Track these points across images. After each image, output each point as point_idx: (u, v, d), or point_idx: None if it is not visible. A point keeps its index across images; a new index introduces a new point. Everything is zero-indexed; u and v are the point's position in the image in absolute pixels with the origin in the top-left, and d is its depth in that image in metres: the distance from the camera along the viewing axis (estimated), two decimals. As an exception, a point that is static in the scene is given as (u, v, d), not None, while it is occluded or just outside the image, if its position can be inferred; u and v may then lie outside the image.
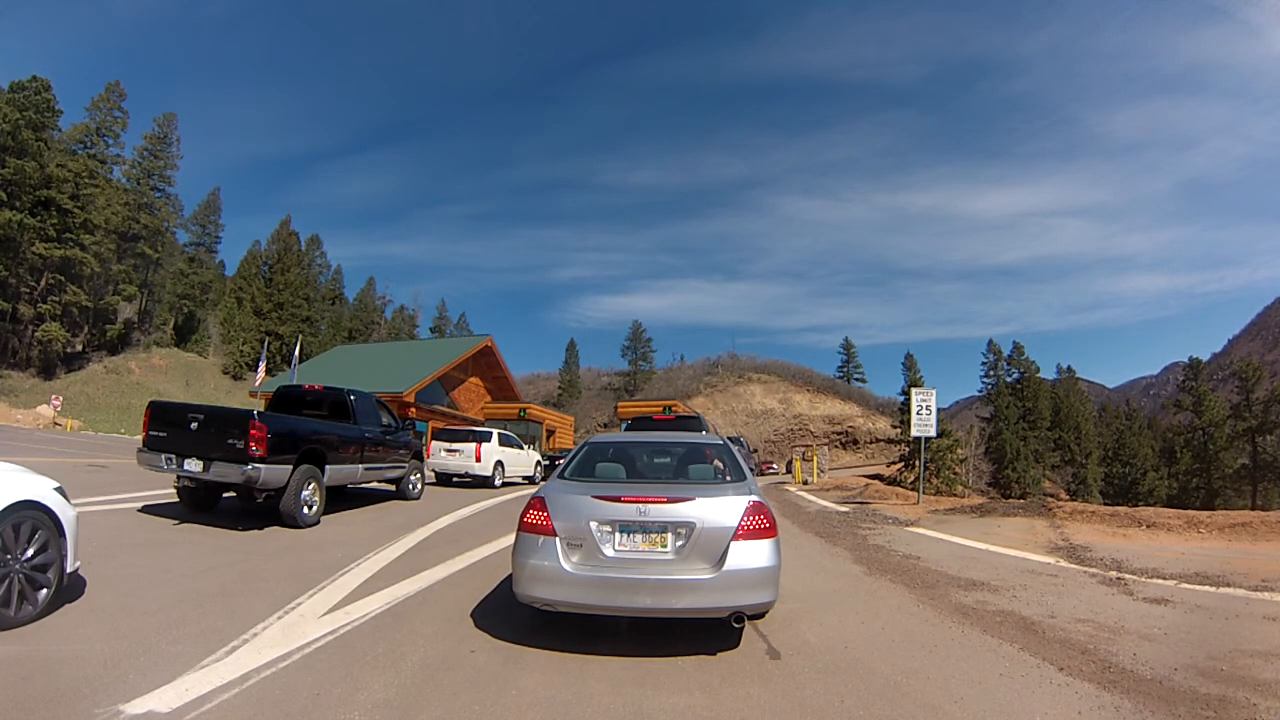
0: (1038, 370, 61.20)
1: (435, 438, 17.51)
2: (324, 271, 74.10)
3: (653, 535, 3.89)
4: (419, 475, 12.06)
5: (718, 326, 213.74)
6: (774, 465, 53.40)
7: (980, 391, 62.64)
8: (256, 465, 7.15)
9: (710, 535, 3.84)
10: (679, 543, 3.87)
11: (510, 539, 5.32)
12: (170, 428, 7.54)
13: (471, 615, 4.65)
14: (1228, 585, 6.04)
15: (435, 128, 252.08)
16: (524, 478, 18.91)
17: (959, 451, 36.45)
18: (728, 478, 4.55)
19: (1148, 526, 9.89)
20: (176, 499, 8.32)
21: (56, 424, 35.43)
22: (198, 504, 8.16)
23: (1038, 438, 56.84)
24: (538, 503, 4.07)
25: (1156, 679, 3.68)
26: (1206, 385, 51.64)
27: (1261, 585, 6.00)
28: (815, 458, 33.31)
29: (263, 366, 21.66)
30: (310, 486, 8.01)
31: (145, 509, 8.13)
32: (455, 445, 16.45)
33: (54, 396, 38.84)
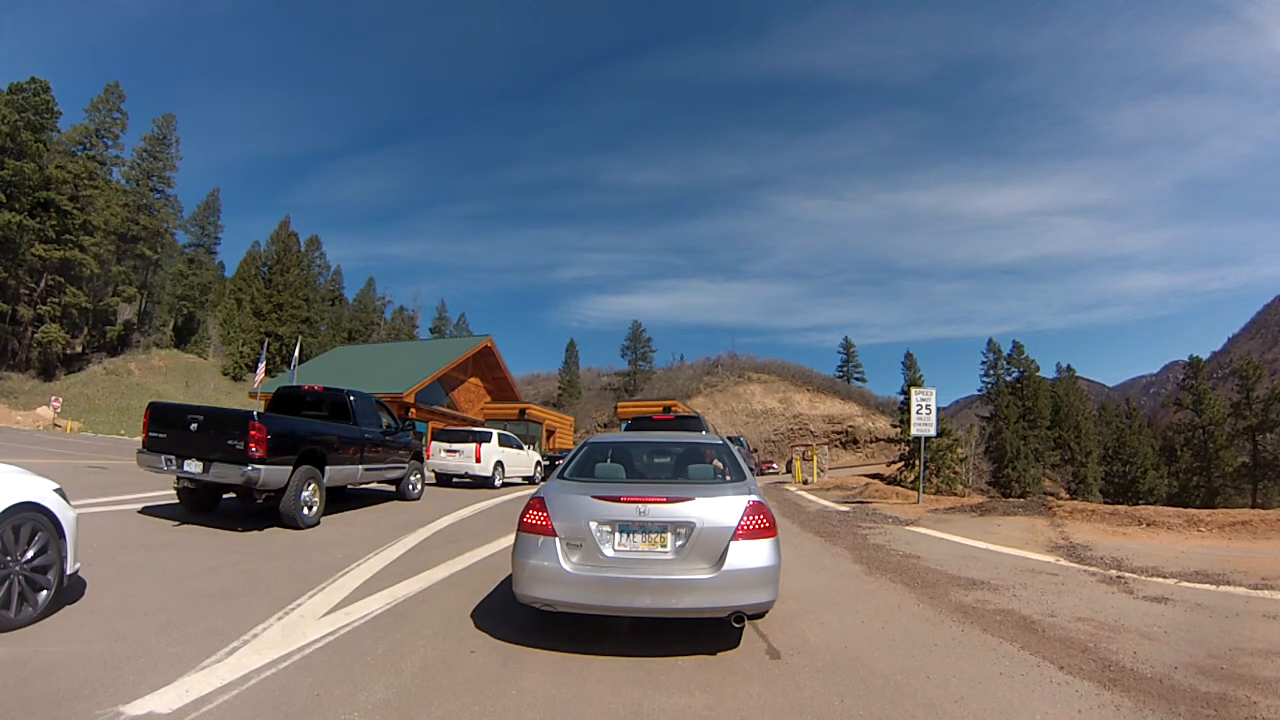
0: (1037, 369, 61.22)
1: (435, 438, 17.49)
2: (324, 272, 74.13)
3: (652, 535, 3.89)
4: (419, 476, 12.06)
5: (719, 326, 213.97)
6: (774, 465, 53.35)
7: (980, 391, 62.67)
8: (256, 466, 7.14)
9: (710, 535, 3.84)
10: (679, 543, 3.86)
11: (510, 539, 5.32)
12: (170, 429, 7.53)
13: (471, 615, 4.65)
14: (1228, 584, 6.04)
15: (436, 127, 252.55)
16: (524, 478, 18.91)
17: (959, 451, 36.44)
18: (727, 477, 4.54)
19: (1148, 525, 9.88)
20: (176, 500, 8.31)
21: (56, 425, 35.41)
22: (197, 505, 8.16)
23: (1038, 437, 56.85)
24: (537, 503, 4.07)
25: (1157, 677, 3.68)
26: (1206, 384, 51.76)
27: (1262, 583, 6.00)
28: (815, 457, 33.28)
29: (262, 367, 21.55)
30: (310, 487, 8.00)
31: (145, 510, 8.12)
32: (455, 446, 16.44)
33: (53, 398, 38.82)
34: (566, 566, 3.83)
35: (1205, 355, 58.74)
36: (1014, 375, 59.85)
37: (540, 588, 3.87)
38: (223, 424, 7.41)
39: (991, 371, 60.68)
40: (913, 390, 16.94)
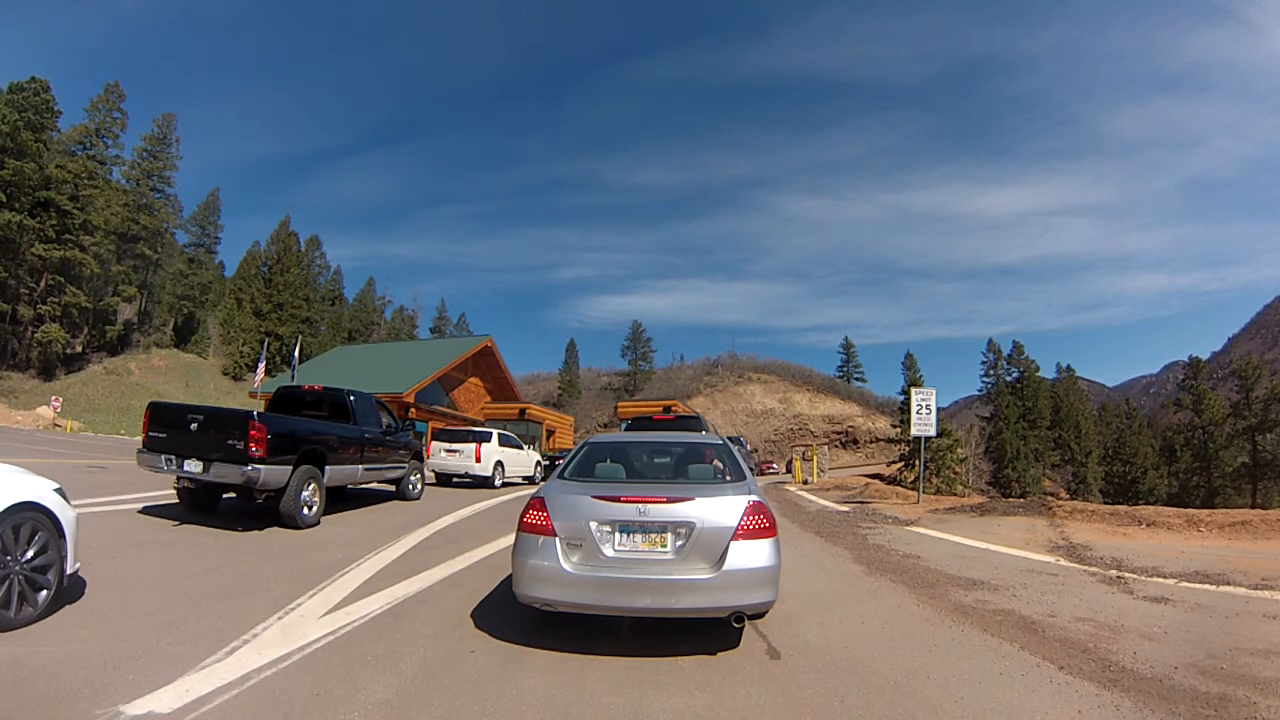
0: (1037, 369, 61.30)
1: (435, 438, 17.50)
2: (324, 272, 74.18)
3: (652, 535, 3.89)
4: (419, 475, 12.06)
5: (719, 326, 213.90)
6: (774, 465, 53.34)
7: (980, 391, 62.75)
8: (256, 466, 7.14)
9: (710, 535, 3.84)
10: (679, 543, 3.86)
11: (510, 539, 5.33)
12: (170, 429, 7.53)
13: (471, 615, 4.65)
14: (1228, 584, 6.04)
15: (437, 127, 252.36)
16: (524, 478, 18.91)
17: (959, 451, 36.46)
18: (727, 477, 4.54)
19: (1148, 525, 9.89)
20: (176, 500, 8.31)
21: (56, 425, 35.40)
22: (197, 505, 8.16)
23: (1038, 437, 56.88)
24: (537, 503, 4.07)
25: (1157, 677, 3.68)
26: (1206, 384, 51.80)
27: (1261, 584, 6.00)
28: (815, 457, 33.27)
29: (262, 367, 21.53)
30: (310, 487, 8.01)
31: (145, 510, 8.12)
32: (455, 446, 16.45)
33: (54, 398, 38.80)
34: (567, 566, 3.83)
35: (1205, 355, 58.86)
36: (1014, 375, 59.91)
37: (540, 588, 3.87)
38: (223, 424, 7.41)
39: (991, 371, 60.75)
40: (913, 390, 16.93)
